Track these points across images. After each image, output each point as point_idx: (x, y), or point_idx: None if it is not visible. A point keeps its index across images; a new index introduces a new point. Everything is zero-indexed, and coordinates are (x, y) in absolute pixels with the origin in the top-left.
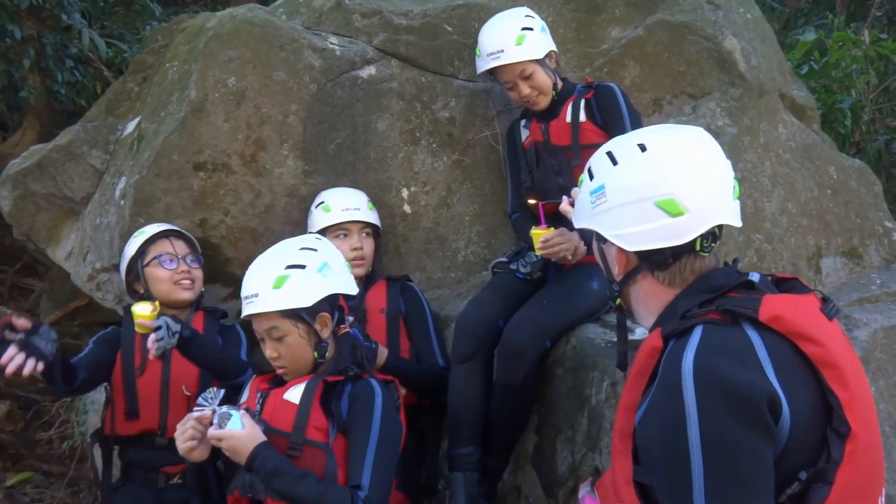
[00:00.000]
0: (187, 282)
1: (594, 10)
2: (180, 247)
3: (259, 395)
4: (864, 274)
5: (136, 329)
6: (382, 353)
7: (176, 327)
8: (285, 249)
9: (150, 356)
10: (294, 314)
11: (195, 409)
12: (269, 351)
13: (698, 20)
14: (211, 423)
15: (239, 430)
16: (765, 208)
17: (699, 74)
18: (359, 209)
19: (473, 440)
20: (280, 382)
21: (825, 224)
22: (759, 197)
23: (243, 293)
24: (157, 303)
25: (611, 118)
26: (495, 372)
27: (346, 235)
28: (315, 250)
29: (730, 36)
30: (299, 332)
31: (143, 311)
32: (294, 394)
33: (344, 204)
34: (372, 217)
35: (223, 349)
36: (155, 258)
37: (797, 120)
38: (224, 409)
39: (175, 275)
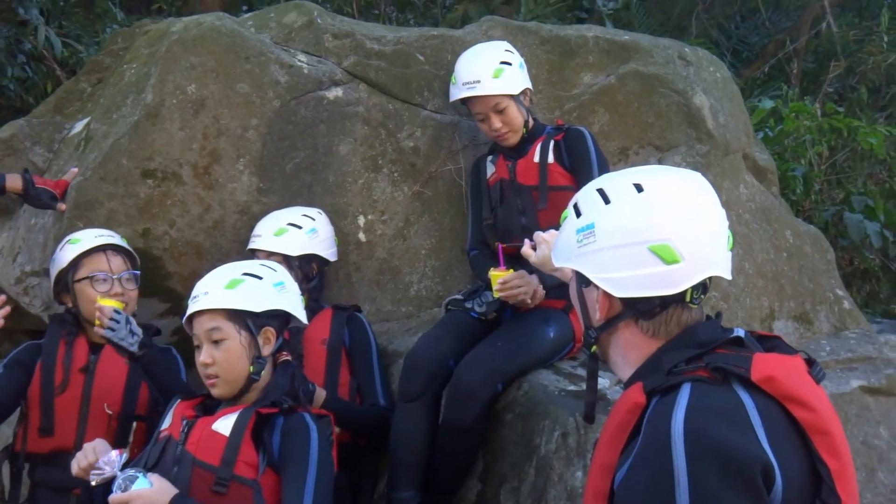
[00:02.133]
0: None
1: (568, 55)
2: (117, 263)
3: (184, 422)
4: (815, 339)
5: (97, 302)
6: (320, 395)
7: (138, 331)
8: (246, 263)
9: (98, 330)
10: (240, 318)
11: (93, 473)
12: (203, 356)
13: (670, 74)
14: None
15: (147, 489)
16: None
17: (667, 127)
18: (259, 236)
19: (415, 484)
20: (207, 410)
21: (779, 287)
22: None
23: (192, 294)
24: (122, 303)
25: (579, 162)
26: (443, 413)
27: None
28: (275, 270)
29: (700, 92)
30: (241, 340)
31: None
32: (224, 424)
33: (255, 230)
34: (277, 245)
35: (172, 371)
36: (88, 277)
37: (758, 182)
38: (128, 472)
39: (107, 297)
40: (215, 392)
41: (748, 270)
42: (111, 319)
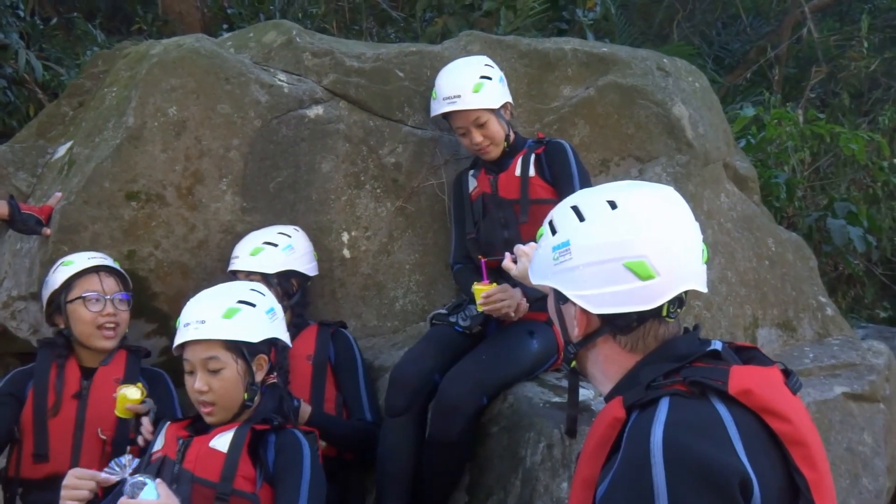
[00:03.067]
0: (110, 328)
1: (547, 68)
2: (109, 284)
3: (180, 442)
4: (798, 347)
5: (118, 413)
6: (305, 410)
7: (155, 407)
8: (235, 287)
9: (141, 442)
10: (237, 348)
11: (105, 471)
12: (198, 384)
13: (649, 85)
14: (110, 490)
15: (154, 500)
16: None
17: (647, 138)
18: (237, 257)
19: (402, 498)
20: (199, 430)
21: (762, 295)
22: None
23: (184, 319)
24: (140, 384)
25: (560, 175)
26: (429, 427)
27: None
28: (263, 295)
29: (679, 103)
30: (237, 368)
31: (132, 395)
32: (221, 442)
33: (234, 251)
34: (254, 264)
35: (166, 400)
36: (80, 296)
37: (739, 190)
38: (137, 477)
39: (100, 317)
40: (211, 420)
41: (731, 279)
42: (151, 424)
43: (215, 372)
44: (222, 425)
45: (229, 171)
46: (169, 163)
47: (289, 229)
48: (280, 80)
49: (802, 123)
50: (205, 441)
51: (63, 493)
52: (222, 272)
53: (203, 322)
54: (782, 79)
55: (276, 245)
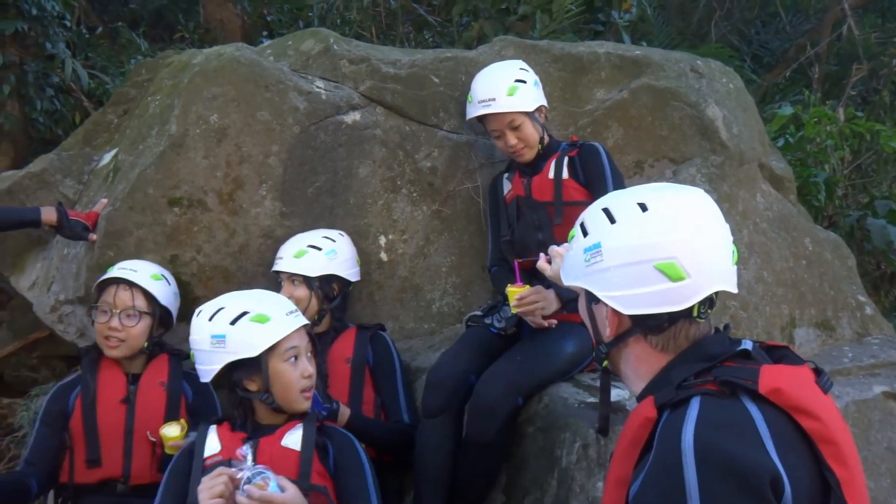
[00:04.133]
0: (115, 340)
1: (580, 71)
2: (122, 299)
3: (248, 444)
4: (837, 346)
5: (167, 451)
6: (344, 413)
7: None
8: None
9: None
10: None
11: (233, 464)
12: (308, 367)
13: (682, 87)
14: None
15: (284, 495)
16: (741, 275)
17: (681, 140)
18: (282, 258)
19: (440, 497)
20: (256, 430)
21: (799, 295)
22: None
23: (285, 309)
24: (182, 420)
25: (593, 177)
26: (465, 428)
27: (283, 284)
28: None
29: (712, 104)
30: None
31: (172, 433)
32: (292, 440)
33: (279, 252)
34: (297, 266)
35: (209, 403)
36: (94, 306)
37: (775, 190)
38: (260, 468)
39: (105, 328)
40: (307, 405)
41: (767, 279)
42: None
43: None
44: (287, 423)
45: (269, 176)
46: (210, 169)
47: (334, 233)
48: (318, 87)
49: (843, 122)
50: (275, 441)
51: (201, 495)
52: (263, 276)
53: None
54: (822, 77)
55: (319, 249)
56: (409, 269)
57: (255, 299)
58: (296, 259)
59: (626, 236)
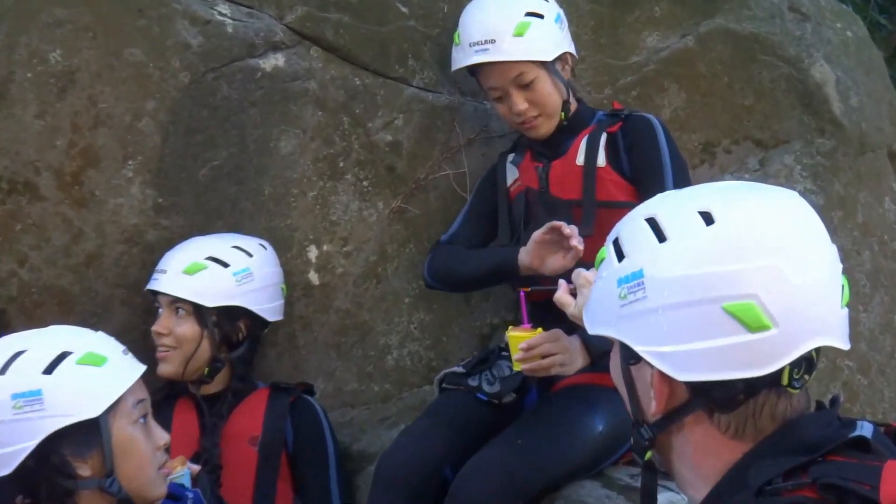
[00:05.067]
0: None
1: (624, 5)
2: None
3: None
4: None
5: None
6: None
7: None
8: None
9: None
10: None
11: None
12: None
13: (776, 33)
14: None
15: None
16: (860, 321)
17: (773, 113)
18: (164, 272)
19: None
20: None
21: None
22: (852, 303)
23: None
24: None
25: (644, 166)
26: None
27: (161, 311)
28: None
29: (821, 61)
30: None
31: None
32: None
33: (161, 262)
34: (185, 287)
35: None
36: None
37: None
38: None
39: None
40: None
41: None
42: None
43: None
44: None
45: (139, 149)
46: (47, 135)
47: (251, 243)
48: (221, 13)
49: None
50: None
51: None
52: (124, 303)
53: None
54: None
55: (225, 265)
56: (352, 298)
57: (67, 334)
58: (186, 276)
59: (682, 262)
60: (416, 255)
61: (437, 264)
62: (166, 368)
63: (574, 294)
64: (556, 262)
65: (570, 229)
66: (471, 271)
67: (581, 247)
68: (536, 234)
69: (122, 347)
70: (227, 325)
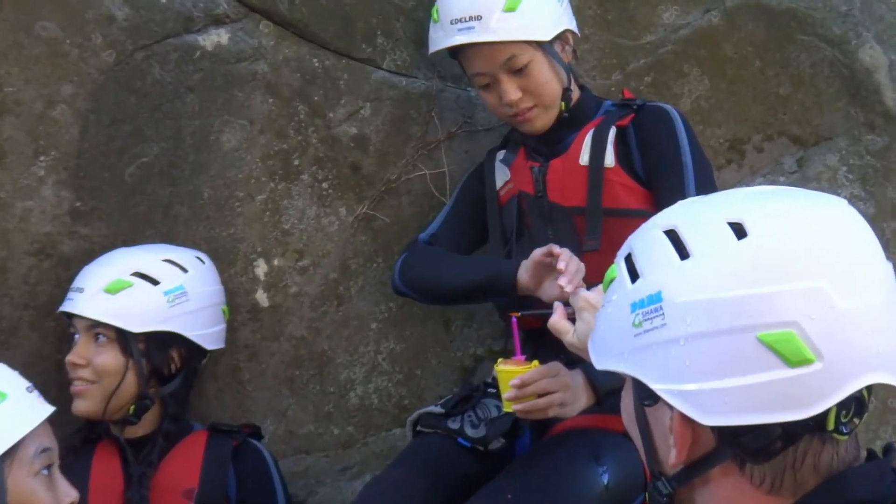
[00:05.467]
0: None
1: None
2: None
3: None
4: None
5: None
6: None
7: None
8: None
9: None
10: None
11: None
12: None
13: (818, 9)
14: None
15: None
16: None
17: (814, 105)
18: (80, 291)
19: None
20: None
21: None
22: None
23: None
24: None
25: (662, 167)
26: None
27: (77, 337)
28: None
29: (871, 42)
30: None
31: None
32: None
33: (77, 280)
34: (106, 309)
35: None
36: None
37: None
38: None
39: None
40: None
41: None
42: None
43: None
44: None
45: (52, 142)
46: None
47: (186, 256)
48: None
49: None
50: None
51: None
52: (32, 327)
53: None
54: None
55: (156, 282)
56: (308, 322)
57: None
58: (108, 296)
59: (708, 283)
60: (384, 271)
61: (413, 267)
62: (83, 406)
63: (573, 319)
64: (553, 288)
65: (564, 260)
66: (454, 281)
67: (569, 289)
68: (537, 253)
69: (26, 384)
70: (157, 354)
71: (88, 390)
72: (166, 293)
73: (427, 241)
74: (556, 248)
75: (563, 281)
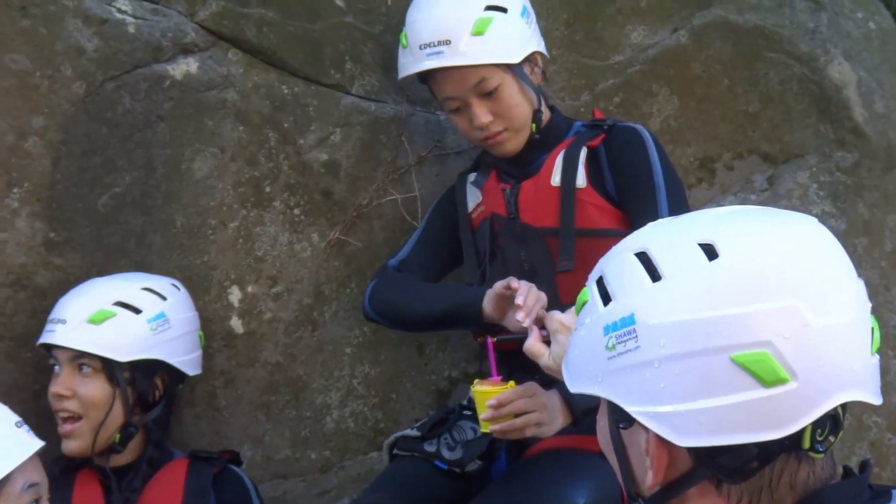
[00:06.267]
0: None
1: None
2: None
3: None
4: None
5: None
6: None
7: None
8: None
9: None
10: None
11: None
12: None
13: (785, 26)
14: None
15: None
16: (890, 369)
17: (783, 122)
18: (63, 322)
19: None
20: None
21: None
22: (882, 348)
23: None
24: None
25: (634, 187)
26: None
27: (58, 369)
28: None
29: (839, 58)
30: None
31: None
32: None
33: (56, 310)
34: (91, 340)
35: None
36: None
37: None
38: None
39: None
40: None
41: None
42: None
43: None
44: None
45: (25, 174)
46: None
47: (162, 285)
48: (121, 10)
49: None
50: None
51: None
52: (9, 358)
53: None
54: None
55: (138, 311)
56: (283, 348)
57: None
58: (92, 326)
59: (681, 305)
60: (357, 295)
61: (382, 294)
62: (74, 445)
63: (548, 342)
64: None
65: (522, 294)
66: (423, 309)
67: (527, 323)
68: (498, 286)
69: (16, 418)
70: (143, 381)
71: (77, 429)
72: (149, 321)
73: (396, 266)
74: (514, 283)
75: (520, 316)
